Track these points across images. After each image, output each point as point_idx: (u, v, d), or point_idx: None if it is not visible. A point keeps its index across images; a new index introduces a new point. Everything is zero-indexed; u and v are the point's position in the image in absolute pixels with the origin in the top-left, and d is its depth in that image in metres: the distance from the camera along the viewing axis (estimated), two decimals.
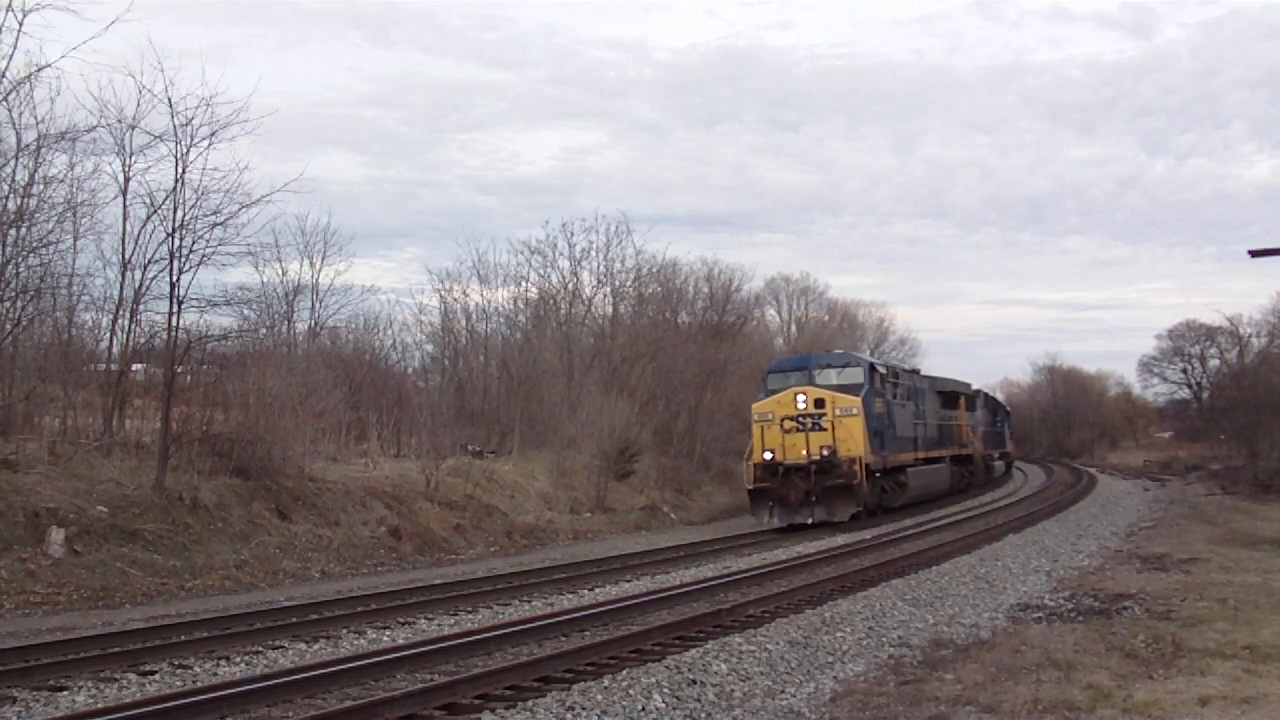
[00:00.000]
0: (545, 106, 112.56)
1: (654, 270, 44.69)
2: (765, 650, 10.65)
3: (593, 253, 42.86)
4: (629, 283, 43.89)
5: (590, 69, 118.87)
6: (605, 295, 43.53)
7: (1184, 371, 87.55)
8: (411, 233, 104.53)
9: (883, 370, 30.44)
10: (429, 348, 45.82)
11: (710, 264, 50.49)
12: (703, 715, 8.45)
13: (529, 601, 14.64)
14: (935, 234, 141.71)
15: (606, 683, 9.25)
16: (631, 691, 8.93)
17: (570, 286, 42.86)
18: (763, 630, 11.81)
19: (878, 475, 28.55)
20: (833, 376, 28.58)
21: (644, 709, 8.50)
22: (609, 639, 11.36)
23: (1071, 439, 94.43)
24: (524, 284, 44.16)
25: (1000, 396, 73.43)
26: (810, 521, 26.38)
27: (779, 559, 19.38)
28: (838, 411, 27.15)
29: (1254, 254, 19.95)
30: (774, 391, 28.27)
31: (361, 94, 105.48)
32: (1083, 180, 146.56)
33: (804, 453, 26.88)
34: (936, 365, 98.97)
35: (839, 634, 11.66)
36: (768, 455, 27.13)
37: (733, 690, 9.16)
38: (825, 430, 26.95)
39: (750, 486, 27.72)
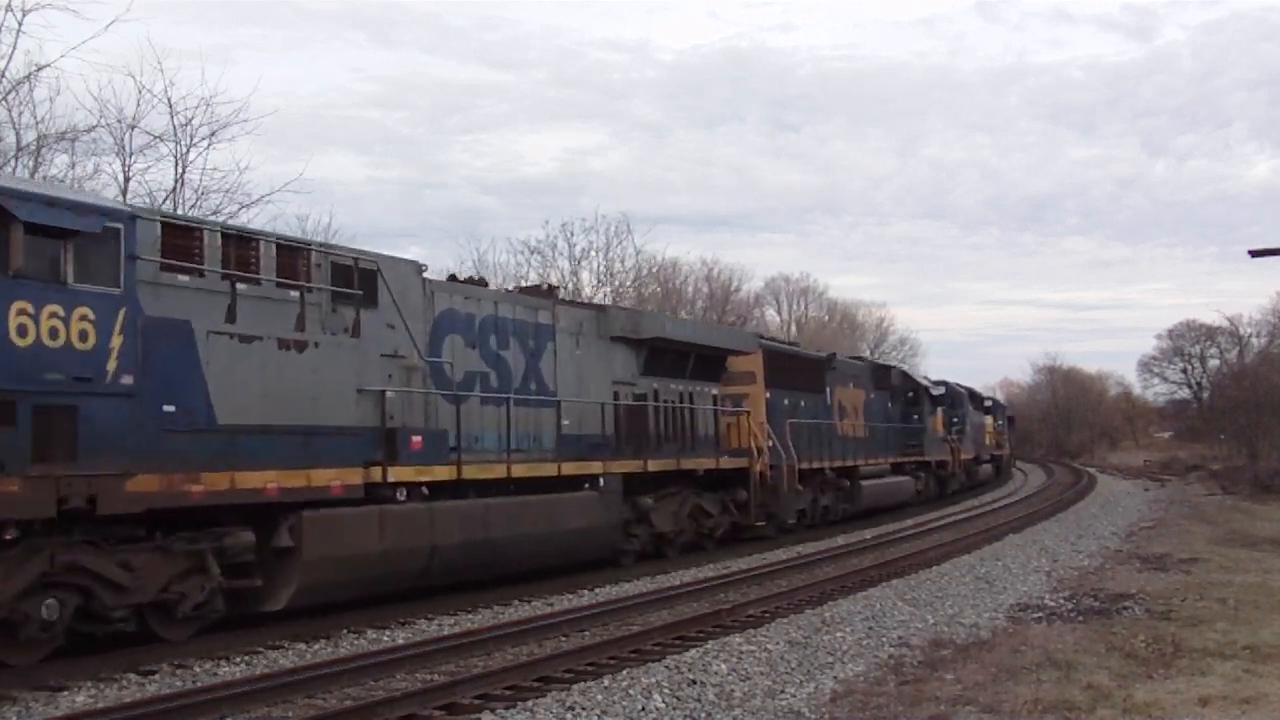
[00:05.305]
0: (548, 107, 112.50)
1: (654, 270, 44.76)
2: (765, 650, 10.65)
3: (593, 252, 42.97)
4: (629, 283, 43.97)
5: (593, 70, 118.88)
6: (605, 295, 43.55)
7: (1184, 371, 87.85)
8: (414, 233, 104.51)
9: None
10: None
11: (710, 264, 50.70)
12: (703, 715, 8.45)
13: (529, 602, 14.63)
14: (936, 234, 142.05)
15: (606, 683, 9.25)
16: (631, 691, 8.93)
17: (570, 286, 42.87)
18: (763, 630, 11.80)
19: None
20: None
21: (644, 709, 8.49)
22: (609, 639, 11.34)
23: (1071, 439, 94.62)
24: (523, 283, 44.21)
25: (1000, 396, 73.15)
26: None
27: (779, 559, 19.38)
28: None
29: (1254, 254, 20.00)
30: None
31: (364, 95, 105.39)
32: (1084, 181, 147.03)
33: None
34: (937, 365, 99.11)
35: (839, 634, 11.65)
36: None
37: (733, 690, 9.15)
38: None
39: None
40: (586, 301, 25.11)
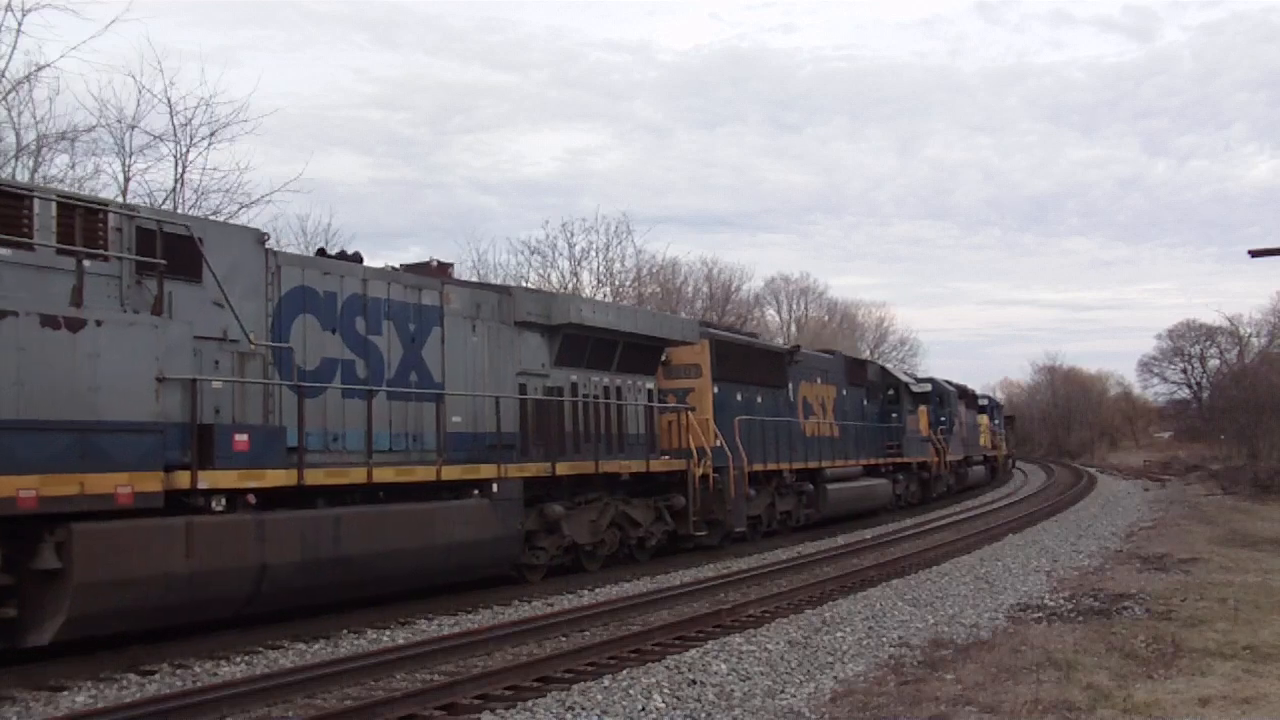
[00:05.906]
0: (549, 108, 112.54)
1: (654, 270, 44.75)
2: (765, 650, 10.65)
3: (593, 253, 42.97)
4: (629, 283, 43.96)
5: (595, 71, 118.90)
6: (605, 295, 43.60)
7: (1184, 371, 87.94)
8: (415, 233, 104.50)
9: None
10: None
11: (710, 264, 50.69)
12: (703, 715, 8.45)
13: (529, 602, 14.63)
14: (937, 234, 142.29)
15: (606, 683, 9.25)
16: (631, 691, 8.93)
17: (570, 286, 42.90)
18: (763, 630, 11.80)
19: None
20: None
21: (644, 709, 8.49)
22: (609, 639, 11.35)
23: (1071, 439, 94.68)
24: (523, 283, 44.29)
25: (1000, 396, 73.09)
26: None
27: (779, 559, 19.38)
28: None
29: (1254, 254, 20.00)
30: None
31: (367, 95, 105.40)
32: (1084, 181, 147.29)
33: None
34: (937, 365, 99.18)
35: (839, 634, 11.65)
36: None
37: (733, 690, 9.15)
38: None
39: None
40: (486, 282, 20.91)
